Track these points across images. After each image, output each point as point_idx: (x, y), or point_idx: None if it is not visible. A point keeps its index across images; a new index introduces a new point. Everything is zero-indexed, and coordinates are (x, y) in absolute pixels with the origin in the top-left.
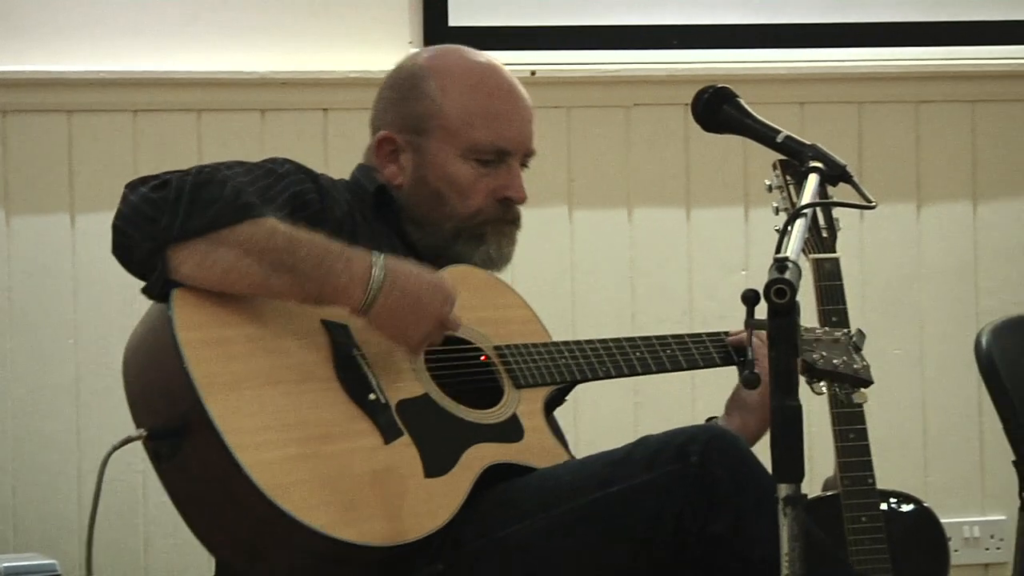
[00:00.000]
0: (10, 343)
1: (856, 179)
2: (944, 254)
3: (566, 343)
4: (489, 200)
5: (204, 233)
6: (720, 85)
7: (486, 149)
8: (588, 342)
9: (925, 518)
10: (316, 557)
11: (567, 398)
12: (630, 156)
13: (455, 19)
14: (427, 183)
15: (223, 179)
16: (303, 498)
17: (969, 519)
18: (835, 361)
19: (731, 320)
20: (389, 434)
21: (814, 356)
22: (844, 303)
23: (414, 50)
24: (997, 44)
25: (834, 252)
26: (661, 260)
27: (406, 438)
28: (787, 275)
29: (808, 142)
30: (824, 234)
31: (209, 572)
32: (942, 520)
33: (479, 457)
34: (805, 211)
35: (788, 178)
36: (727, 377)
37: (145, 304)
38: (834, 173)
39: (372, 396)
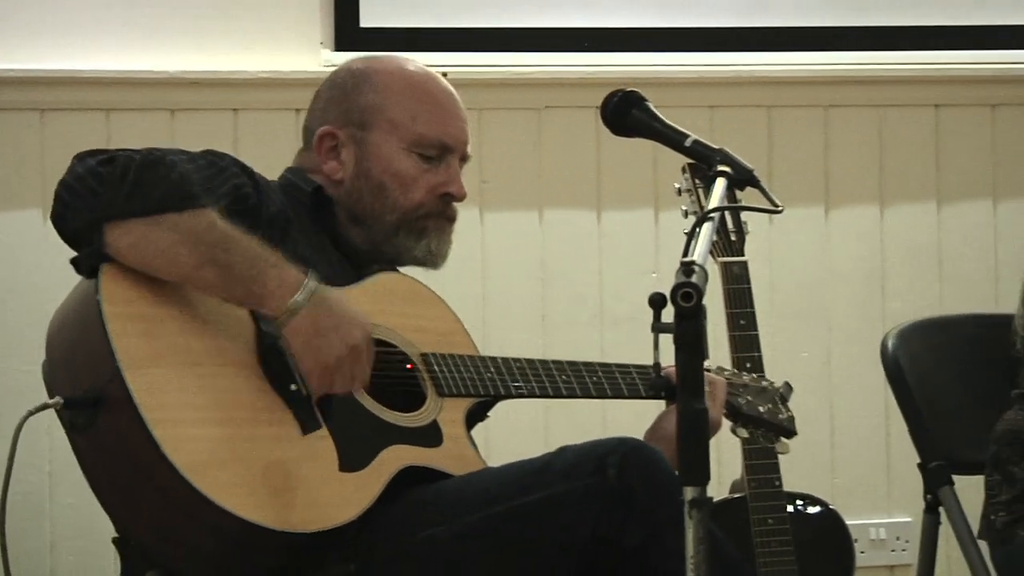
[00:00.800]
0: None
1: (764, 183)
2: (852, 258)
3: (493, 358)
4: (430, 195)
5: (146, 214)
6: (629, 89)
7: (430, 143)
8: (516, 360)
9: (831, 520)
10: (224, 540)
11: (489, 414)
12: (541, 158)
13: (366, 20)
14: (370, 176)
15: (170, 163)
16: (216, 477)
17: (875, 521)
18: (760, 408)
19: (640, 322)
20: (307, 425)
21: (740, 401)
22: (752, 306)
23: (325, 50)
24: (905, 50)
25: (742, 256)
26: (572, 262)
27: (324, 431)
28: (693, 279)
29: (716, 146)
30: (732, 238)
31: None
32: (849, 522)
33: (395, 457)
34: (712, 215)
35: (697, 182)
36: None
37: None
38: (741, 177)
39: (293, 387)
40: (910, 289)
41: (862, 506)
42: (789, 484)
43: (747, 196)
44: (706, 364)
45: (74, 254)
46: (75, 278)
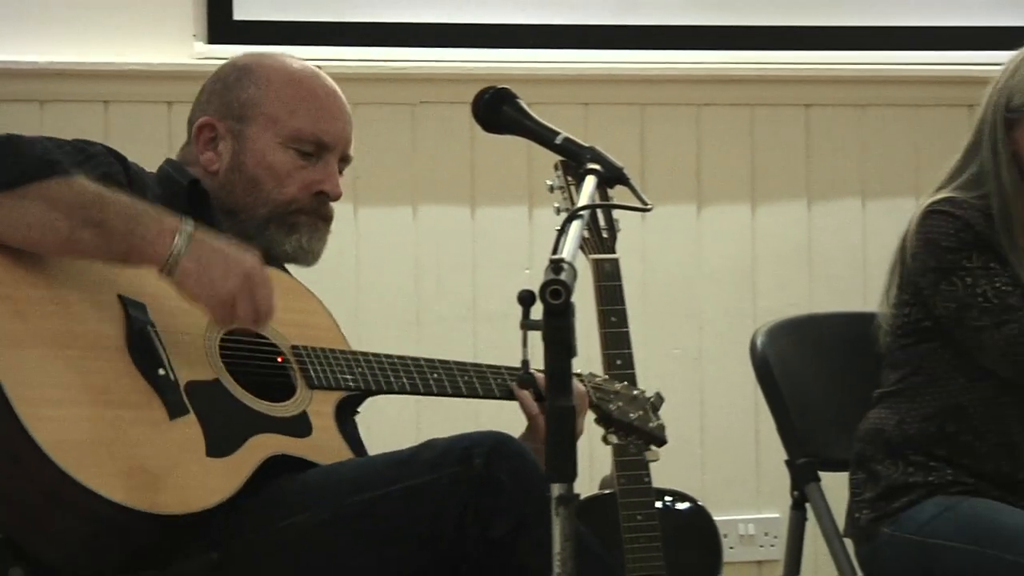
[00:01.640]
0: None
1: (634, 181)
2: (723, 256)
3: (364, 353)
4: (304, 192)
5: (10, 187)
6: (500, 86)
7: (307, 139)
8: (387, 356)
9: (699, 516)
10: (89, 522)
11: (359, 410)
12: (415, 154)
13: (240, 13)
14: (244, 169)
15: (32, 140)
16: (80, 457)
17: (744, 517)
18: (631, 415)
19: (514, 319)
20: (175, 410)
21: (611, 407)
22: (623, 303)
23: (198, 43)
24: (776, 49)
25: (613, 253)
26: (445, 258)
27: (191, 417)
28: (562, 276)
29: (586, 144)
30: (604, 235)
31: None
32: (718, 518)
33: (263, 446)
34: (581, 213)
35: (570, 179)
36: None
37: None
38: (611, 175)
39: (162, 372)
40: (780, 287)
41: (732, 502)
42: (659, 480)
43: (618, 194)
44: (577, 370)
45: None
46: None
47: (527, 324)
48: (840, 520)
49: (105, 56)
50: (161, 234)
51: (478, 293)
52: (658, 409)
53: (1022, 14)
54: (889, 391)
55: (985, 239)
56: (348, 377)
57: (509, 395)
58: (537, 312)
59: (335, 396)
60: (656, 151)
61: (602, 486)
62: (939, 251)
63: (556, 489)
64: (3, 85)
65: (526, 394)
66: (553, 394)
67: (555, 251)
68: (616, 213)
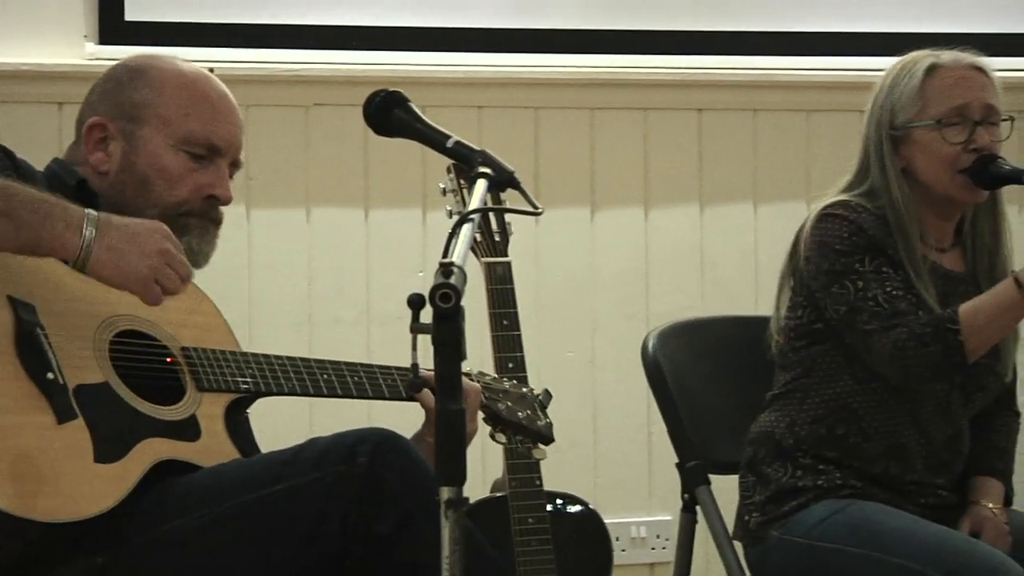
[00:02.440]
0: None
1: (525, 185)
2: (616, 259)
3: (255, 354)
4: (195, 195)
5: None
6: (391, 89)
7: (199, 142)
8: (277, 357)
9: (590, 519)
10: None
11: (248, 411)
12: (309, 156)
13: (132, 14)
14: (135, 170)
15: None
16: None
17: (636, 519)
18: (519, 414)
19: (408, 321)
20: (63, 415)
21: (499, 406)
22: (515, 307)
23: (89, 43)
24: (669, 54)
25: (506, 256)
26: (339, 260)
27: (80, 421)
28: (452, 280)
29: (478, 148)
30: (497, 238)
31: None
32: (610, 520)
33: (151, 451)
34: (472, 216)
35: (462, 182)
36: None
37: None
38: (502, 179)
39: (50, 375)
40: (673, 290)
41: (624, 504)
42: (552, 483)
43: (510, 197)
44: (467, 369)
45: None
46: None
47: (417, 328)
48: (731, 522)
49: None
50: (69, 226)
51: (372, 295)
52: (546, 407)
53: (909, 20)
54: (780, 393)
55: (878, 243)
56: (238, 379)
57: (399, 395)
58: (427, 315)
59: (225, 398)
60: (550, 154)
61: (493, 489)
62: (832, 254)
63: (445, 492)
64: None
65: (425, 392)
66: (442, 398)
67: (445, 255)
68: (509, 217)
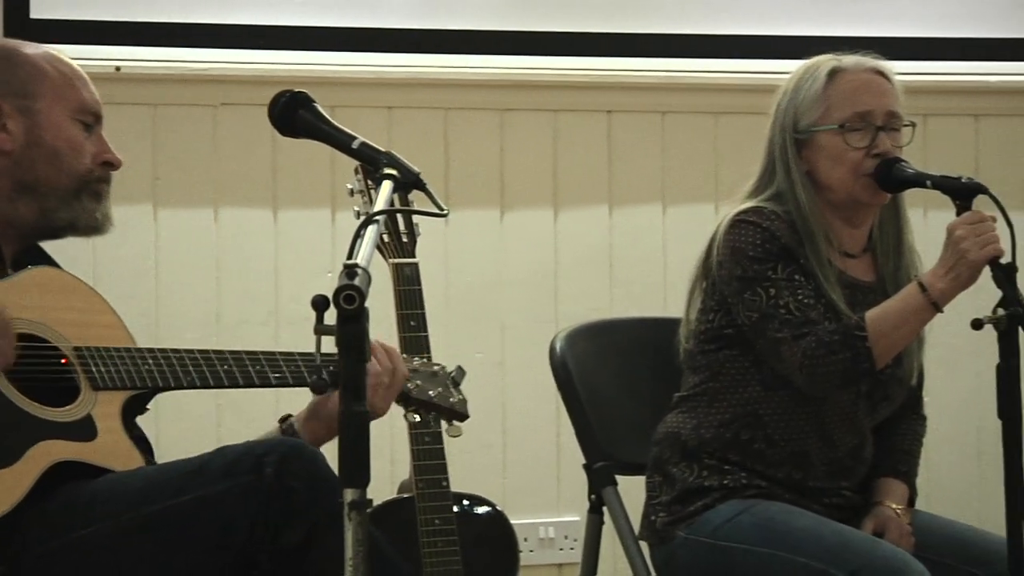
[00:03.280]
0: None
1: (431, 186)
2: (526, 260)
3: (151, 350)
4: (95, 162)
5: None
6: (297, 90)
7: (88, 110)
8: (175, 351)
9: (496, 520)
10: None
11: (148, 407)
12: (217, 156)
13: (37, 11)
14: (43, 144)
15: None
16: None
17: (545, 520)
18: (431, 392)
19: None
20: None
21: (410, 385)
22: (422, 308)
23: None
24: (579, 55)
25: (413, 257)
26: (247, 261)
27: None
28: (356, 281)
29: (384, 149)
30: (404, 239)
31: None
32: (519, 521)
33: (46, 453)
34: (377, 218)
35: (370, 183)
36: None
37: None
38: (407, 180)
39: None
40: (582, 292)
41: (532, 505)
42: (461, 484)
43: (418, 198)
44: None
45: None
46: None
47: (321, 329)
48: (638, 523)
49: None
50: None
51: (280, 296)
52: (459, 383)
53: (815, 23)
54: (687, 395)
55: (791, 251)
56: (134, 376)
57: (302, 382)
58: (332, 317)
59: (121, 396)
60: (460, 156)
61: (400, 490)
62: (745, 261)
63: (349, 494)
64: None
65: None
66: (346, 399)
67: (350, 256)
68: (417, 218)
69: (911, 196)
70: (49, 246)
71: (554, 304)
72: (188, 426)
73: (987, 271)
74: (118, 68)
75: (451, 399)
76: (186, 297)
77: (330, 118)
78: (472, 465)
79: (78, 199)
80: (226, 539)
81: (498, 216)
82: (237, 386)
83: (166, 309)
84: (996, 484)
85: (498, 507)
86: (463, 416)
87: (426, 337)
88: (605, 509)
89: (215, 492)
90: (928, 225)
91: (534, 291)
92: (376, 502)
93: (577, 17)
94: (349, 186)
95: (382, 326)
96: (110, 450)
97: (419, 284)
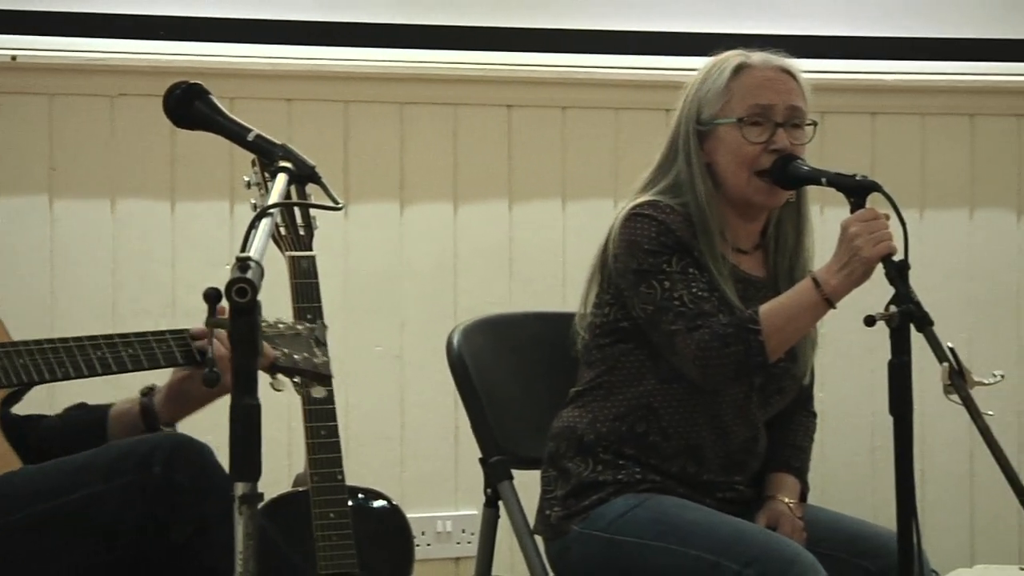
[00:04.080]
0: None
1: (331, 180)
2: (425, 254)
3: (25, 343)
4: None
5: None
6: (192, 82)
7: None
8: (49, 341)
9: (392, 514)
10: None
11: (23, 397)
12: (115, 146)
13: None
14: None
15: None
16: None
17: (442, 514)
18: (296, 356)
19: None
20: None
21: (275, 353)
22: (319, 301)
23: None
24: (479, 50)
25: (310, 250)
26: (144, 252)
27: None
28: (249, 274)
29: (279, 142)
30: (301, 232)
31: None
32: (417, 515)
33: None
34: (271, 211)
35: (267, 176)
36: None
37: None
38: (303, 173)
39: None
40: (481, 286)
41: (430, 499)
42: (359, 478)
43: (315, 191)
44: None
45: None
46: None
47: (213, 322)
48: (534, 517)
49: None
50: None
51: (177, 288)
52: (323, 342)
53: (720, 20)
54: (583, 390)
55: (685, 244)
56: (10, 372)
57: (174, 362)
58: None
59: None
60: (360, 149)
61: (295, 484)
62: (640, 254)
63: (240, 488)
64: None
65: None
66: (238, 392)
67: (243, 249)
68: (314, 211)
69: (809, 193)
70: None
71: (453, 298)
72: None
73: (880, 268)
74: (14, 57)
75: (315, 360)
76: (82, 288)
77: (226, 110)
78: (370, 458)
79: None
80: (114, 537)
81: (398, 210)
82: (111, 372)
83: (62, 301)
84: (889, 479)
85: (394, 501)
86: (328, 378)
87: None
88: (501, 503)
89: (103, 490)
90: (825, 222)
91: (433, 285)
92: (272, 495)
93: (477, 11)
94: (246, 178)
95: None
96: None
97: (316, 277)
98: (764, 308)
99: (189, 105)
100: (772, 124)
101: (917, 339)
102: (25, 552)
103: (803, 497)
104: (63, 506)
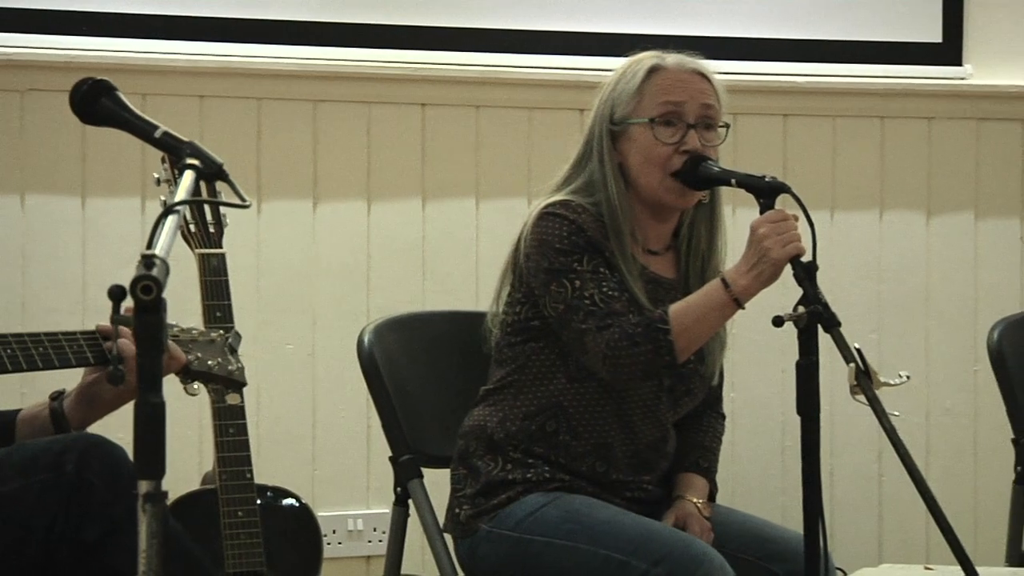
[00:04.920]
0: None
1: (233, 177)
2: (338, 252)
3: None
4: None
5: None
6: (98, 78)
7: None
8: None
9: (301, 513)
10: None
11: None
12: (24, 142)
13: None
14: None
15: None
16: None
17: (353, 512)
18: (209, 362)
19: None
20: None
21: (189, 357)
22: (229, 299)
23: None
24: (393, 48)
25: (220, 248)
26: (54, 248)
27: None
28: (154, 272)
29: (186, 139)
30: (211, 230)
31: None
32: (328, 513)
33: None
34: (177, 208)
35: (176, 172)
36: None
37: None
38: (210, 171)
39: None
40: (394, 284)
41: (341, 498)
42: (270, 475)
43: (226, 189)
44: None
45: None
46: None
47: (118, 319)
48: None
49: None
50: None
51: (88, 285)
52: (236, 350)
53: (635, 21)
54: (494, 388)
55: (596, 244)
56: None
57: (86, 362)
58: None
59: None
60: (272, 146)
61: (204, 482)
62: (552, 253)
63: (144, 486)
64: None
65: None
66: (143, 390)
67: (149, 246)
68: (225, 208)
69: (721, 194)
70: None
71: (366, 296)
72: None
73: (789, 269)
74: None
75: (229, 367)
76: None
77: (135, 107)
78: (282, 457)
79: None
80: (24, 536)
81: (311, 207)
82: (20, 370)
83: None
84: (799, 479)
85: (303, 499)
86: (242, 384)
87: (232, 328)
88: (411, 502)
89: (13, 490)
90: (736, 223)
91: (346, 283)
92: (181, 493)
93: (392, 10)
94: (156, 175)
95: (193, 317)
96: None
97: (226, 275)
98: (674, 308)
99: (95, 101)
100: (684, 125)
101: (828, 340)
102: None
103: (712, 497)
104: None
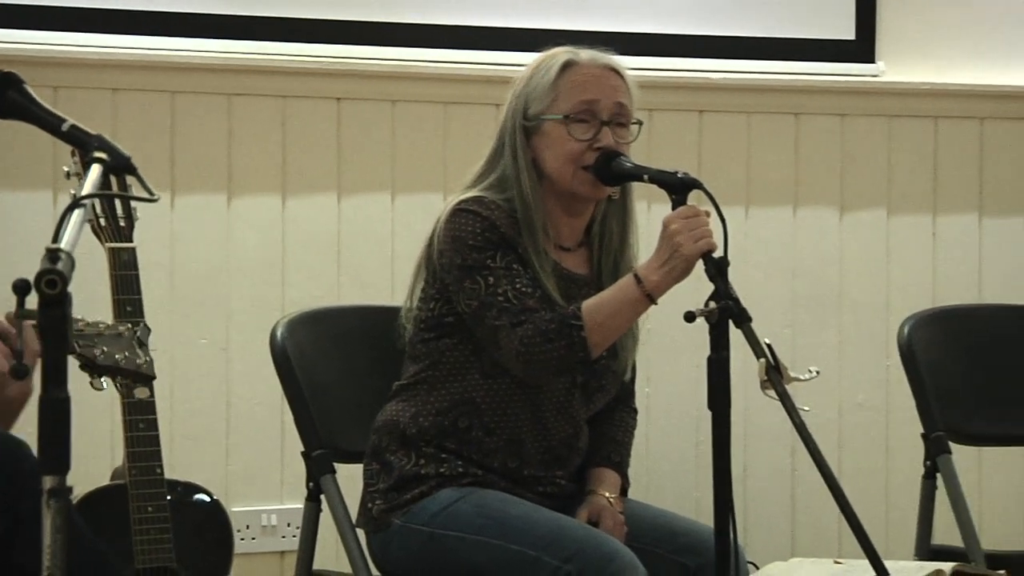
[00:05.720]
0: None
1: (142, 171)
2: (253, 246)
3: None
4: None
5: None
6: (5, 70)
7: None
8: None
9: (211, 509)
10: None
11: None
12: None
13: None
14: None
15: None
16: None
17: (268, 507)
18: (117, 356)
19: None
20: None
21: (95, 352)
22: (139, 293)
23: None
24: (307, 42)
25: (131, 242)
26: None
27: None
28: (59, 266)
29: (95, 133)
30: (122, 223)
31: None
32: (241, 508)
33: None
34: (84, 202)
35: (85, 166)
36: None
37: None
38: (119, 164)
39: None
40: (309, 279)
41: (255, 493)
42: (184, 471)
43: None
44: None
45: None
46: None
47: (22, 314)
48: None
49: None
50: None
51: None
52: (145, 343)
53: (550, 16)
54: (407, 383)
55: (510, 240)
56: None
57: None
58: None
59: None
60: (186, 140)
61: (113, 477)
62: (465, 249)
63: (48, 482)
64: None
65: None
66: (48, 385)
67: (55, 240)
68: (136, 203)
69: (635, 190)
70: None
71: (281, 291)
72: None
73: (700, 264)
74: None
75: (137, 360)
76: None
77: (41, 100)
78: (195, 452)
79: None
80: None
81: (225, 201)
82: None
83: None
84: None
85: (214, 495)
86: (150, 378)
87: (142, 323)
88: (323, 496)
89: None
90: (651, 219)
91: (261, 278)
92: (89, 489)
93: (307, 4)
94: (66, 168)
95: (103, 311)
96: None
97: (136, 269)
98: (587, 304)
99: (2, 95)
100: (598, 122)
101: (741, 335)
102: None
103: (624, 492)
104: None
